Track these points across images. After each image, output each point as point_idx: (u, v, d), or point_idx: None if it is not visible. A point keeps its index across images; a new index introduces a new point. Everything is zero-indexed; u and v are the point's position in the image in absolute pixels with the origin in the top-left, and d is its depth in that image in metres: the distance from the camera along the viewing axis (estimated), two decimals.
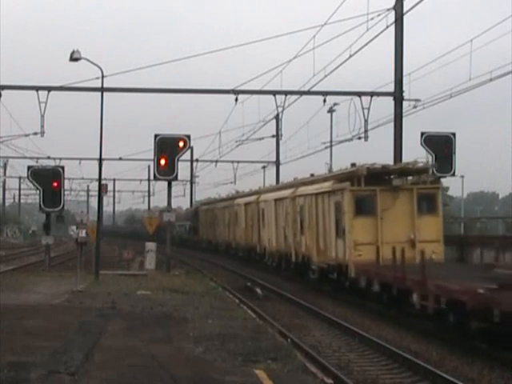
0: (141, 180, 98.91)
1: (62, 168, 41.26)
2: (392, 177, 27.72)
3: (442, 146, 34.56)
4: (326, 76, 34.71)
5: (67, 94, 41.18)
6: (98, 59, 33.63)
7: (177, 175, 38.43)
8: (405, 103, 34.96)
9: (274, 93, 37.60)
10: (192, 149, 73.09)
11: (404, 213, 26.47)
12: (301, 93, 37.99)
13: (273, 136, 62.61)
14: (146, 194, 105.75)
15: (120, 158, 75.81)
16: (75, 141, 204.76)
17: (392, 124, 35.48)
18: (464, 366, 15.89)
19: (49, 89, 36.97)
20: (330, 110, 53.79)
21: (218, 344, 16.23)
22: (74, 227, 37.93)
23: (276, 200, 38.44)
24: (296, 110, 43.28)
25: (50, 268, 39.81)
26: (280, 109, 38.70)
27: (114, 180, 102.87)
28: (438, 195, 27.38)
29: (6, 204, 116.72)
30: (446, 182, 28.71)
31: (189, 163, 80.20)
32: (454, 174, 35.06)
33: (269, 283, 33.08)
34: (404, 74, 34.81)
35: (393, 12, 32.96)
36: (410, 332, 19.92)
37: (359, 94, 36.83)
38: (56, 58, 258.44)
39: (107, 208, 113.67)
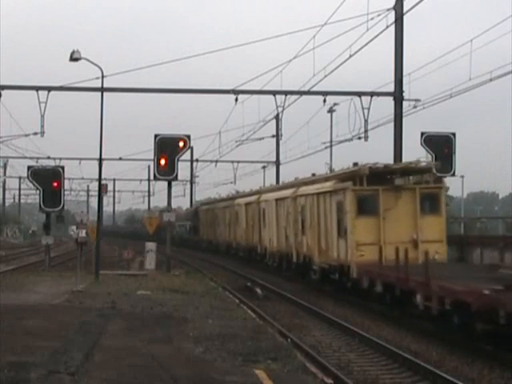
0: (141, 180, 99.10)
1: (62, 168, 41.28)
2: (395, 176, 27.54)
3: (442, 146, 34.56)
4: (326, 76, 34.76)
5: (67, 94, 41.25)
6: (98, 59, 33.72)
7: (177, 175, 38.43)
8: (405, 103, 34.99)
9: (274, 93, 37.59)
10: (192, 149, 73.16)
11: (407, 213, 26.27)
12: (301, 93, 37.98)
13: (273, 136, 62.65)
14: (146, 193, 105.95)
15: (120, 158, 75.88)
16: (75, 141, 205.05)
17: (392, 124, 35.47)
18: (464, 366, 15.88)
19: (49, 89, 36.97)
20: (330, 110, 53.82)
21: (218, 344, 16.22)
22: (73, 227, 37.93)
23: (277, 200, 38.39)
24: (296, 109, 43.34)
25: (50, 268, 39.81)
26: (280, 109, 38.74)
27: (114, 180, 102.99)
28: (441, 195, 27.11)
29: (6, 204, 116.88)
30: (446, 181, 28.57)
31: (189, 163, 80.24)
32: (454, 174, 35.03)
33: (269, 283, 33.07)
34: (404, 74, 34.83)
35: (393, 12, 32.95)
36: (409, 332, 19.90)
37: (359, 94, 36.83)
38: (56, 57, 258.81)
39: (107, 208, 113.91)
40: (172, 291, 27.77)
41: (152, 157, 38.47)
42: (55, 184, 39.31)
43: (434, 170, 27.79)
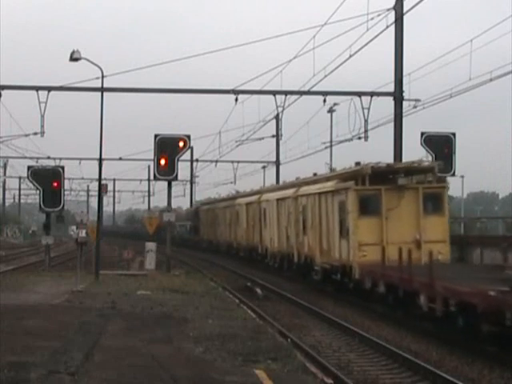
0: (141, 180, 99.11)
1: (62, 168, 41.29)
2: (397, 176, 27.36)
3: (442, 146, 34.55)
4: (326, 76, 34.76)
5: (67, 94, 41.26)
6: (98, 59, 33.73)
7: (177, 175, 38.45)
8: (405, 103, 34.98)
9: (274, 93, 37.59)
10: (192, 149, 73.16)
11: (409, 212, 26.07)
12: (301, 93, 37.98)
13: (273, 136, 62.64)
14: (146, 193, 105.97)
15: (120, 158, 75.88)
16: (75, 141, 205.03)
17: (392, 124, 35.45)
18: (464, 366, 15.87)
19: (49, 89, 36.97)
20: (330, 110, 53.82)
21: (218, 344, 16.22)
22: (73, 227, 37.94)
23: (278, 200, 38.34)
24: (296, 109, 43.34)
25: (50, 268, 39.81)
26: (280, 109, 38.72)
27: (114, 180, 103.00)
28: (444, 195, 26.90)
29: (6, 204, 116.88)
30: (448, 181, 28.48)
31: (189, 163, 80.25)
32: (454, 174, 35.01)
33: (269, 283, 33.07)
34: (404, 74, 34.82)
35: (393, 12, 32.95)
36: (409, 332, 19.88)
37: (359, 94, 36.82)
38: (56, 57, 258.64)
39: (107, 208, 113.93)
40: (172, 291, 27.76)
41: (152, 157, 38.50)
42: (55, 184, 39.33)
43: (437, 170, 27.64)
